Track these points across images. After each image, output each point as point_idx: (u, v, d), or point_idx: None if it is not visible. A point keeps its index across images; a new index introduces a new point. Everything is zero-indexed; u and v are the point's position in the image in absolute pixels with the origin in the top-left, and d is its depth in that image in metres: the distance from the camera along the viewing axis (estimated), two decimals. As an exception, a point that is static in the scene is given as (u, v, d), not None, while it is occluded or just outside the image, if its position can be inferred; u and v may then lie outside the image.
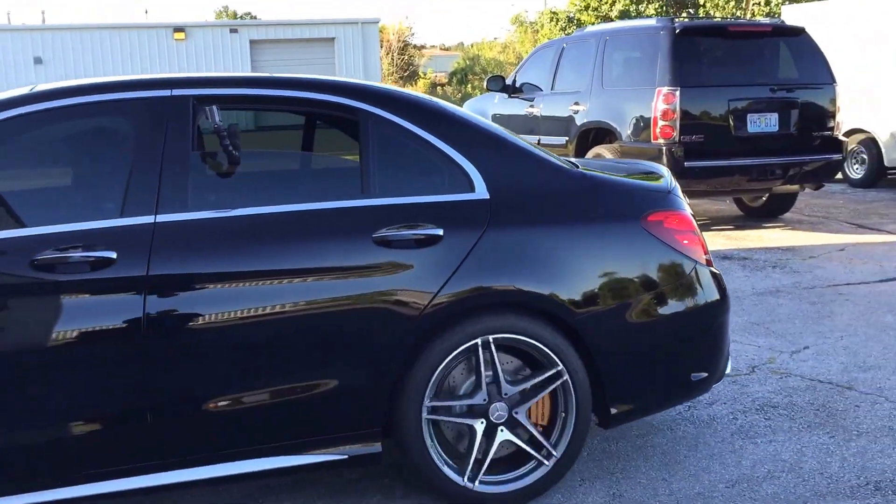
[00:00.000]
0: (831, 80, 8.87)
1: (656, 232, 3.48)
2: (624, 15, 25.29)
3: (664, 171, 4.01)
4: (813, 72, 8.85)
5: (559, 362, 3.34)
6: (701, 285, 3.55)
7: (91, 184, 3.24)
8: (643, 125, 8.36)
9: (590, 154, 8.80)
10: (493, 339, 3.28)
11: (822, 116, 8.83)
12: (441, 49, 79.02)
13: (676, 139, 8.13)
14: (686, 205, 3.68)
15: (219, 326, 3.02)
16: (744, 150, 8.47)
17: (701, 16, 24.69)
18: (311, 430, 3.20)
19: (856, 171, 12.28)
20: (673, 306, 3.50)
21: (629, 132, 8.56)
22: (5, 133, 3.08)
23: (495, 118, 10.67)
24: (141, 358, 2.97)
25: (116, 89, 3.20)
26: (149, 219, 3.00)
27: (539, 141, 9.54)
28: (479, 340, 3.27)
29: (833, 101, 8.83)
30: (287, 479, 3.58)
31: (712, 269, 3.62)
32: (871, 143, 11.95)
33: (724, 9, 24.88)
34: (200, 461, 3.10)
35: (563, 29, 27.76)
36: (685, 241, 3.53)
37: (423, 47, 60.94)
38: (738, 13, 24.46)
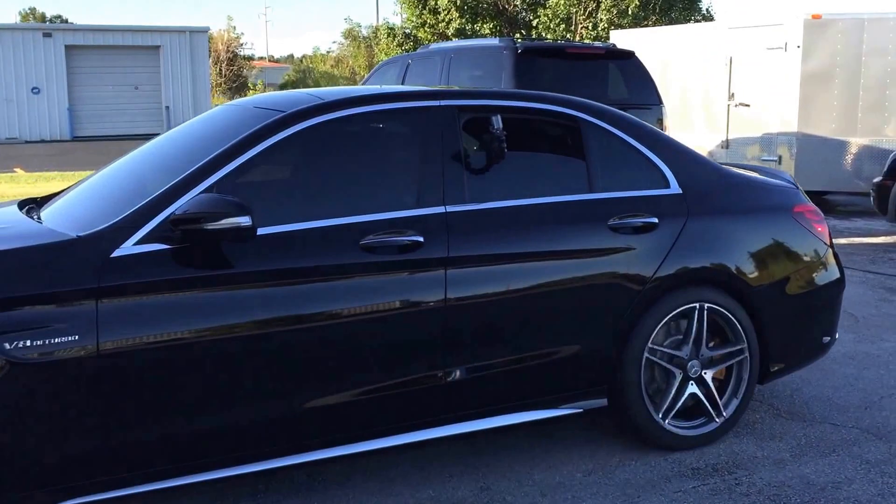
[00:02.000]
0: (658, 101, 9.50)
1: (801, 221, 4.32)
2: (460, 33, 25.90)
3: (781, 172, 4.70)
4: (642, 92, 9.44)
5: (745, 339, 4.09)
6: (830, 265, 4.41)
7: (391, 179, 3.72)
8: (487, 140, 8.68)
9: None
10: (707, 307, 3.98)
11: (650, 135, 9.42)
12: (270, 61, 78.13)
13: (519, 154, 8.47)
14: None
15: (496, 299, 3.62)
16: None
17: (533, 37, 25.63)
18: (559, 388, 3.83)
19: (678, 187, 13.12)
20: (815, 281, 4.34)
21: (474, 147, 8.86)
22: (315, 138, 3.54)
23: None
24: (443, 326, 3.51)
25: (399, 99, 3.81)
26: (441, 209, 3.56)
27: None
28: (696, 305, 3.98)
29: (660, 120, 9.45)
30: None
31: (835, 252, 4.46)
32: (691, 161, 12.82)
33: (556, 31, 25.92)
34: (479, 415, 3.67)
35: (401, 45, 28.13)
36: (819, 229, 4.39)
37: (252, 58, 60.03)
38: (568, 36, 25.57)
